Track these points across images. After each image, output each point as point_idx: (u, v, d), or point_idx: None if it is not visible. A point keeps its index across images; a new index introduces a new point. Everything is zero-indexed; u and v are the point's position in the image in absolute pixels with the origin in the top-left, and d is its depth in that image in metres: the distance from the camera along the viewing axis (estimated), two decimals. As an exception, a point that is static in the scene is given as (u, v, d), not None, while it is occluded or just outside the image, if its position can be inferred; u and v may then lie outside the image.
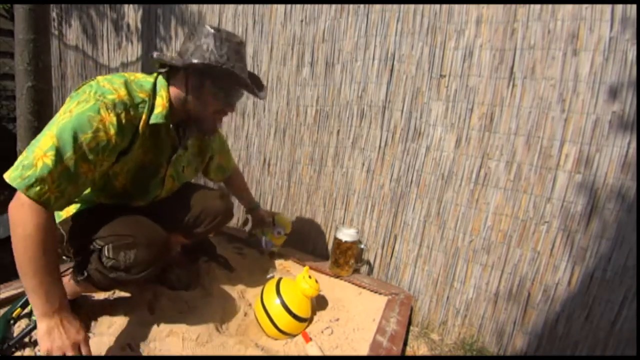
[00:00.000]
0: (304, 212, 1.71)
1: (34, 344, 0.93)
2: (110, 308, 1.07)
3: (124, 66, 2.23)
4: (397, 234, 1.47)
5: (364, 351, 1.08)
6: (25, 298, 0.99)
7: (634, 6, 0.99)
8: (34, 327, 0.92)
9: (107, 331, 0.99)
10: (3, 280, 1.13)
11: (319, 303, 1.29)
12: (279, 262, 1.56)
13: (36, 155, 0.75)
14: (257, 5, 1.68)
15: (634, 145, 1.03)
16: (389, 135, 1.44)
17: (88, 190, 0.96)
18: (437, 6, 1.27)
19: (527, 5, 1.13)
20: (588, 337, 1.13)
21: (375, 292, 1.39)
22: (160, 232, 0.97)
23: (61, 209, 0.88)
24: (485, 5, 1.19)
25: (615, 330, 1.09)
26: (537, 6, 1.12)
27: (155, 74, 0.96)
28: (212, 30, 0.91)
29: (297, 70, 1.63)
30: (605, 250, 1.09)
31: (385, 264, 1.51)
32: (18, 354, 0.90)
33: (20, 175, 0.74)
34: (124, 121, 0.84)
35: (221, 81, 0.95)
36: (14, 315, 0.96)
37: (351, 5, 1.46)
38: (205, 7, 1.84)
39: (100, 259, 0.91)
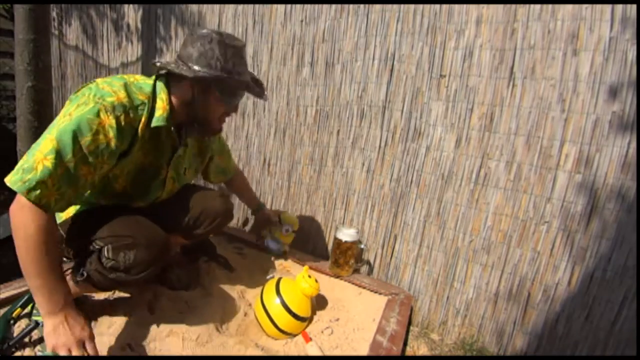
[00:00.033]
0: (304, 212, 1.71)
1: (34, 344, 0.93)
2: (110, 308, 1.07)
3: (124, 66, 2.23)
4: (397, 234, 1.47)
5: (364, 351, 1.08)
6: (25, 298, 0.98)
7: (634, 6, 0.99)
8: (34, 327, 0.92)
9: (107, 331, 0.99)
10: (3, 280, 1.13)
11: (319, 303, 1.29)
12: (278, 262, 1.56)
13: (36, 159, 0.75)
14: (257, 5, 1.68)
15: (634, 145, 1.03)
16: (389, 135, 1.44)
17: (88, 192, 0.96)
18: (437, 6, 1.27)
19: (527, 5, 1.13)
20: (588, 337, 1.13)
21: (375, 292, 1.39)
22: (159, 232, 0.97)
23: (61, 210, 0.88)
24: (485, 5, 1.19)
25: (615, 330, 1.09)
26: (537, 6, 1.12)
27: (154, 77, 0.96)
28: (216, 36, 0.91)
29: (297, 70, 1.63)
30: (605, 250, 1.09)
31: (385, 264, 1.51)
32: (18, 354, 0.90)
33: (20, 179, 0.75)
34: (123, 123, 0.84)
35: (227, 88, 0.97)
36: (14, 315, 0.95)
37: (351, 5, 1.46)
38: (205, 7, 1.84)
39: (100, 259, 0.91)
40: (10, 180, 0.76)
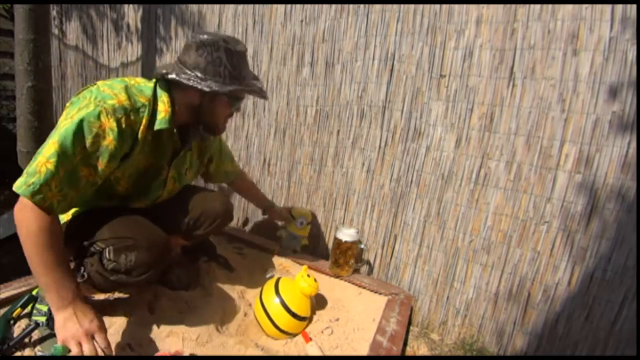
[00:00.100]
0: (304, 212, 1.71)
1: (34, 344, 0.93)
2: (110, 308, 1.07)
3: (124, 66, 2.23)
4: (397, 234, 1.47)
5: (364, 351, 1.08)
6: (25, 298, 0.99)
7: (634, 6, 0.99)
8: (34, 328, 0.92)
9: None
10: (3, 280, 1.13)
11: (319, 303, 1.29)
12: (278, 262, 1.56)
13: (39, 162, 0.77)
14: (257, 5, 1.68)
15: (634, 145, 1.03)
16: (389, 135, 1.44)
17: (90, 193, 0.96)
18: (437, 6, 1.27)
19: (527, 5, 1.13)
20: (588, 337, 1.13)
21: (375, 292, 1.39)
22: (160, 233, 0.97)
23: (64, 211, 0.89)
24: (485, 5, 1.19)
25: (615, 330, 1.09)
26: (537, 6, 1.12)
27: (154, 79, 0.97)
28: (223, 43, 0.92)
29: (297, 70, 1.63)
30: (605, 250, 1.09)
31: (385, 264, 1.51)
32: (18, 354, 0.90)
33: (25, 183, 0.77)
34: (124, 126, 0.85)
35: (236, 94, 0.99)
36: (14, 315, 0.95)
37: (351, 5, 1.46)
38: (205, 7, 1.84)
39: (101, 261, 0.91)
40: (15, 185, 0.79)
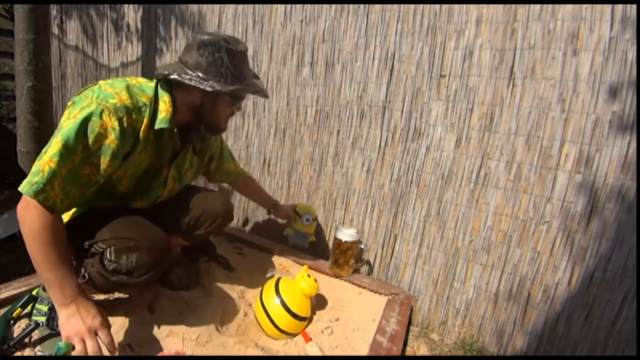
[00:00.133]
0: (304, 212, 1.71)
1: (34, 344, 0.93)
2: (110, 308, 1.07)
3: (124, 66, 2.23)
4: (397, 234, 1.47)
5: (364, 351, 1.08)
6: (25, 298, 0.99)
7: (634, 6, 0.99)
8: (34, 328, 0.92)
9: (107, 331, 0.99)
10: (3, 280, 1.13)
11: (319, 303, 1.29)
12: (278, 262, 1.56)
13: (43, 162, 0.78)
14: (257, 5, 1.68)
15: (634, 145, 1.03)
16: (389, 135, 1.44)
17: (92, 192, 0.96)
18: (437, 6, 1.27)
19: (527, 5, 1.13)
20: (588, 337, 1.13)
21: (375, 292, 1.39)
22: (161, 234, 0.98)
23: (67, 210, 0.90)
24: (485, 5, 1.19)
25: (615, 330, 1.09)
26: (537, 6, 1.12)
27: (155, 79, 0.97)
28: (224, 43, 0.92)
29: (297, 70, 1.63)
30: (605, 250, 1.09)
31: (385, 264, 1.51)
32: (18, 354, 0.90)
33: (29, 182, 0.78)
34: (125, 125, 0.86)
35: (237, 93, 1.00)
36: (14, 315, 0.95)
37: (351, 5, 1.46)
38: (205, 7, 1.84)
39: (101, 262, 0.92)
40: (21, 186, 0.79)
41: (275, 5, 1.63)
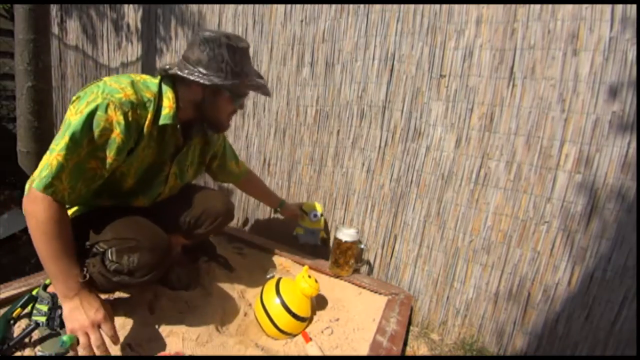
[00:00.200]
0: (304, 212, 1.71)
1: (34, 344, 0.93)
2: (110, 308, 1.07)
3: (124, 66, 2.23)
4: (397, 234, 1.47)
5: (364, 351, 1.08)
6: (25, 298, 0.99)
7: (634, 6, 0.99)
8: (34, 328, 0.92)
9: (107, 331, 0.99)
10: (3, 280, 1.13)
11: (319, 303, 1.29)
12: (278, 262, 1.56)
13: (51, 156, 0.79)
14: (257, 5, 1.68)
15: (634, 145, 1.03)
16: (389, 135, 1.44)
17: (95, 187, 0.96)
18: (437, 6, 1.27)
19: (527, 5, 1.13)
20: (588, 337, 1.13)
21: (375, 292, 1.39)
22: (162, 235, 0.98)
23: (73, 204, 0.92)
24: (485, 5, 1.19)
25: (615, 330, 1.09)
26: (537, 6, 1.12)
27: (159, 76, 0.98)
28: (225, 39, 0.93)
29: (297, 70, 1.63)
30: (605, 250, 1.09)
31: (385, 264, 1.51)
32: (18, 354, 0.90)
33: (38, 176, 0.79)
34: (130, 119, 0.87)
35: (238, 90, 0.99)
36: (14, 315, 0.95)
37: (351, 5, 1.46)
38: (205, 7, 1.84)
39: (103, 262, 0.92)
40: (29, 180, 0.81)
41: (275, 5, 1.63)
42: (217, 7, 1.79)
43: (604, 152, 1.07)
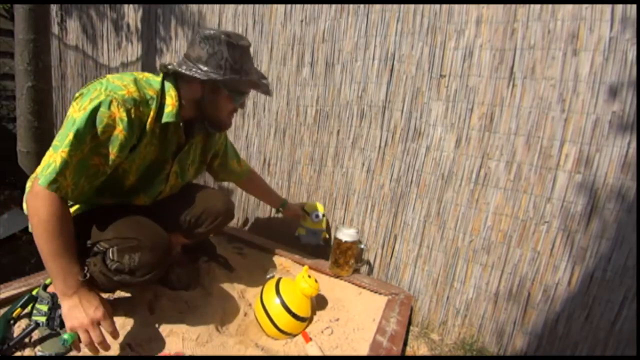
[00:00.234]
0: (304, 212, 1.71)
1: (34, 344, 0.93)
2: (109, 305, 1.07)
3: (124, 66, 2.23)
4: (397, 234, 1.47)
5: (364, 351, 1.08)
6: (25, 298, 0.99)
7: (634, 6, 0.99)
8: (35, 328, 0.92)
9: (107, 331, 0.99)
10: (3, 280, 1.13)
11: (319, 303, 1.29)
12: (278, 262, 1.56)
13: (55, 153, 0.80)
14: (257, 5, 1.68)
15: (634, 145, 1.03)
16: (389, 135, 1.44)
17: (98, 183, 0.96)
18: (437, 6, 1.27)
19: (527, 5, 1.13)
20: (588, 337, 1.13)
21: (375, 292, 1.39)
22: (163, 234, 0.98)
23: (76, 201, 0.92)
24: (485, 5, 1.19)
25: (615, 330, 1.09)
26: (537, 6, 1.12)
27: (162, 74, 0.99)
28: (225, 37, 0.93)
29: (297, 70, 1.63)
30: (605, 250, 1.09)
31: (385, 264, 1.51)
32: (18, 354, 0.90)
33: (42, 173, 0.80)
34: (133, 116, 0.87)
35: (236, 87, 0.99)
36: (14, 315, 0.96)
37: (351, 5, 1.46)
38: (205, 7, 1.84)
39: (104, 261, 0.92)
40: (32, 176, 0.82)
41: (275, 5, 1.63)
42: (217, 7, 1.79)
43: (604, 152, 1.07)
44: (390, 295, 1.37)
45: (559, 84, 1.11)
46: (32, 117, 1.73)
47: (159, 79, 0.97)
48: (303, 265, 1.40)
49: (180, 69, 0.93)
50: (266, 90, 1.06)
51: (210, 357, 0.98)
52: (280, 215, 1.60)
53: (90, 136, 0.82)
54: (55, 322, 0.91)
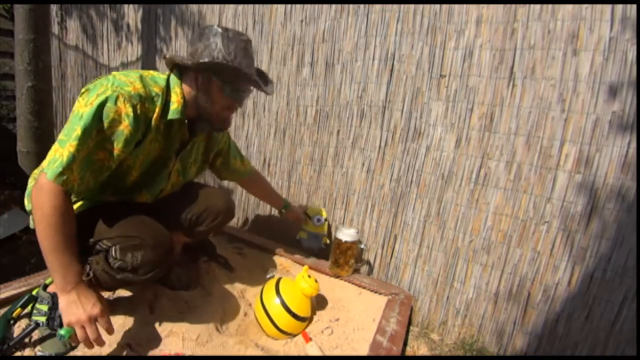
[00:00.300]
0: (304, 212, 1.71)
1: (34, 344, 0.93)
2: (110, 308, 1.07)
3: (124, 66, 2.23)
4: (397, 234, 1.47)
5: (364, 351, 1.08)
6: (25, 298, 0.99)
7: (634, 6, 0.99)
8: (35, 328, 0.92)
9: (107, 331, 0.99)
10: (3, 280, 1.13)
11: (319, 303, 1.29)
12: (279, 262, 1.56)
13: (62, 147, 0.81)
14: (257, 5, 1.68)
15: (634, 145, 1.03)
16: (389, 135, 1.44)
17: (102, 179, 0.96)
18: (437, 6, 1.27)
19: (527, 5, 1.13)
20: (588, 337, 1.13)
21: (375, 292, 1.39)
22: (165, 233, 0.99)
23: (80, 195, 0.93)
24: (485, 5, 1.19)
25: (615, 330, 1.09)
26: (537, 6, 1.12)
27: (167, 72, 1.00)
28: (220, 30, 0.95)
29: (297, 70, 1.63)
30: (605, 250, 1.09)
31: (385, 264, 1.51)
32: (18, 354, 0.90)
33: (48, 167, 0.81)
34: (139, 112, 0.88)
35: (228, 77, 0.98)
36: (14, 315, 0.96)
37: (351, 6, 1.46)
38: (205, 7, 1.84)
39: (107, 259, 0.93)
40: (38, 169, 0.83)
41: (275, 5, 1.63)
42: (217, 7, 1.79)
43: (604, 152, 1.07)
44: (390, 295, 1.37)
45: (559, 84, 1.11)
46: (32, 117, 1.73)
47: (164, 76, 0.98)
48: (303, 265, 1.40)
49: (175, 58, 0.95)
50: (258, 85, 1.03)
51: (210, 357, 0.98)
52: (282, 216, 1.60)
53: (96, 131, 0.83)
54: (55, 322, 0.91)
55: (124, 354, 0.94)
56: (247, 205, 1.89)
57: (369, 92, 1.46)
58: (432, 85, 1.32)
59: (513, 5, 1.15)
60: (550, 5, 1.10)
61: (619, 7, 1.01)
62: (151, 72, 0.98)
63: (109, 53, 2.27)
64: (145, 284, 1.15)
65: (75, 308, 0.82)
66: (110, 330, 0.85)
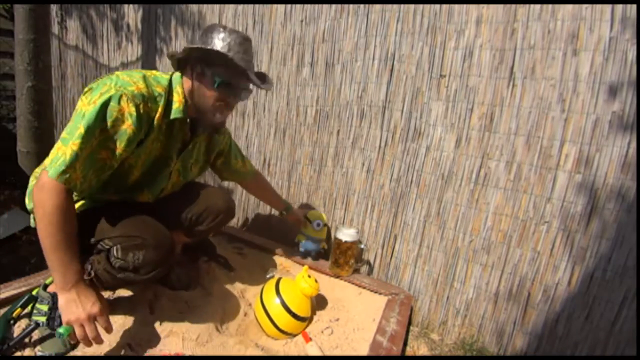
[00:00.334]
0: (304, 212, 1.71)
1: (34, 344, 0.93)
2: (110, 308, 1.07)
3: (124, 66, 2.23)
4: (397, 234, 1.47)
5: (364, 351, 1.08)
6: (25, 298, 0.98)
7: (634, 6, 0.99)
8: (35, 328, 0.92)
9: (107, 331, 0.99)
10: (3, 280, 1.13)
11: (319, 303, 1.29)
12: (279, 262, 1.56)
13: (65, 145, 0.81)
14: (257, 5, 1.68)
15: (634, 145, 1.03)
16: (389, 135, 1.44)
17: (103, 179, 0.96)
18: (437, 6, 1.27)
19: (527, 5, 1.13)
20: (588, 337, 1.13)
21: (375, 292, 1.39)
22: (166, 233, 0.99)
23: (83, 194, 0.93)
24: (485, 5, 1.19)
25: (615, 330, 1.09)
26: (537, 6, 1.12)
27: (170, 72, 1.01)
28: (219, 28, 0.97)
29: (297, 70, 1.63)
30: (605, 250, 1.09)
31: (385, 264, 1.51)
32: (18, 354, 0.90)
33: (51, 165, 0.81)
34: (142, 111, 0.89)
35: (219, 69, 0.96)
36: (14, 315, 0.95)
37: (351, 6, 1.46)
38: (205, 7, 1.84)
39: (108, 259, 0.93)
40: (40, 168, 0.83)
41: (275, 5, 1.63)
42: (217, 7, 1.79)
43: (604, 152, 1.07)
44: (390, 295, 1.37)
45: (559, 84, 1.11)
46: (32, 117, 1.73)
47: (167, 76, 0.99)
48: (303, 265, 1.40)
49: (174, 54, 0.97)
50: (249, 78, 0.99)
51: (210, 357, 0.98)
52: (283, 218, 1.60)
53: (99, 129, 0.83)
54: (55, 322, 0.91)
55: (124, 353, 0.93)
56: (247, 205, 1.89)
57: (369, 92, 1.46)
58: (432, 85, 1.32)
59: (513, 5, 1.15)
60: (550, 5, 1.10)
61: (619, 7, 1.01)
62: (154, 72, 0.99)
63: (109, 53, 2.27)
64: (146, 284, 1.15)
65: (75, 306, 0.82)
66: (109, 329, 0.86)
